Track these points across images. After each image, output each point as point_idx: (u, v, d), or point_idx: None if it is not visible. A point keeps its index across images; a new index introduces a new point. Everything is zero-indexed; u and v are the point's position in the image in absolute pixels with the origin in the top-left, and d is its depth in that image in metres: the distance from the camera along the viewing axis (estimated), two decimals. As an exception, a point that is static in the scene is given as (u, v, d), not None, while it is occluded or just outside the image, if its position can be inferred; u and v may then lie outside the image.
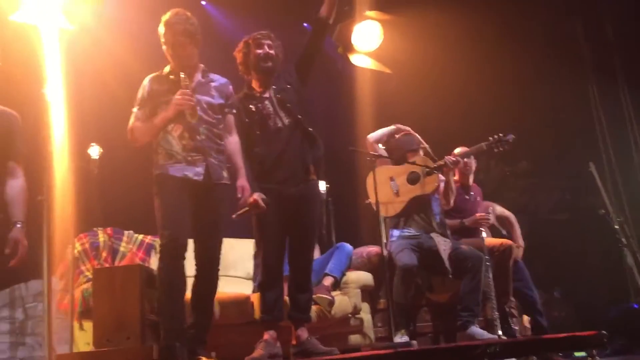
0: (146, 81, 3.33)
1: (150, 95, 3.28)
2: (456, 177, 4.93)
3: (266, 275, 3.51)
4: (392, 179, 4.25)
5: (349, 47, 6.17)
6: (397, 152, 4.49)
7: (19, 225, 2.99)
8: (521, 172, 7.09)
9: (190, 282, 3.27)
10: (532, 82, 6.54)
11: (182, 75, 3.24)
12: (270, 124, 3.57)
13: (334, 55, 6.37)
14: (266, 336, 3.46)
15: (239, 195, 3.33)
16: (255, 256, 3.85)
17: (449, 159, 4.32)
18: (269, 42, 3.65)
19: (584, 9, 6.28)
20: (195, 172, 3.20)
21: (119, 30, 4.86)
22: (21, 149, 3.10)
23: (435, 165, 4.47)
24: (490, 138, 4.43)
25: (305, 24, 6.51)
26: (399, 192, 4.31)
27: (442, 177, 4.42)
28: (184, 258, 3.13)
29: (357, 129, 5.66)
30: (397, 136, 4.56)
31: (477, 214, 4.65)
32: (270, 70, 3.63)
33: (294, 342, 3.48)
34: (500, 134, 4.42)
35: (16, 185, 3.04)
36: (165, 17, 3.30)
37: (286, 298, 3.59)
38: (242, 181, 3.36)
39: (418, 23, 5.94)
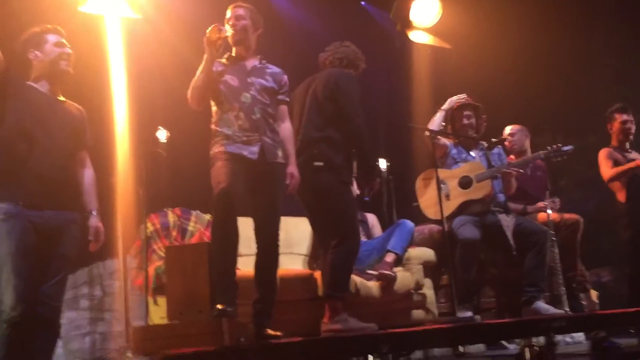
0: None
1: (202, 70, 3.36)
2: (512, 156, 4.86)
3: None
4: (443, 181, 4.20)
5: (407, 24, 6.11)
6: (451, 113, 4.43)
7: (94, 213, 3.16)
8: (589, 147, 6.88)
9: (252, 260, 3.36)
10: (605, 52, 6.31)
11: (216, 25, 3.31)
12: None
13: (392, 33, 6.32)
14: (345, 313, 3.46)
15: (287, 182, 3.41)
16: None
17: (505, 171, 4.28)
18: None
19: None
20: (251, 151, 3.29)
21: (178, 21, 4.99)
22: (89, 141, 3.27)
23: (498, 140, 4.45)
24: (549, 147, 4.38)
25: (362, 2, 6.51)
26: (449, 195, 4.26)
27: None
28: (236, 212, 3.20)
29: (417, 105, 5.64)
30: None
31: (541, 203, 4.58)
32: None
33: (325, 319, 3.45)
34: (560, 144, 4.36)
35: (89, 174, 3.22)
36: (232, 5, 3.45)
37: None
38: (292, 168, 3.44)
39: (477, -4, 5.83)
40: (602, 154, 4.75)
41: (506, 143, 4.81)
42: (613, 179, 4.68)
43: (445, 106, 4.40)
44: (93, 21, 4.69)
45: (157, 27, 4.90)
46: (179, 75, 4.03)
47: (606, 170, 4.70)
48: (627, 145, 4.79)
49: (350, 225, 3.54)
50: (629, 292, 4.53)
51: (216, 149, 3.33)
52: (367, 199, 3.70)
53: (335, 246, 3.47)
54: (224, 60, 3.46)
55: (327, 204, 3.54)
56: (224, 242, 3.19)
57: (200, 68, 3.33)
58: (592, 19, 6.09)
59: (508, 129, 4.93)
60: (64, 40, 3.16)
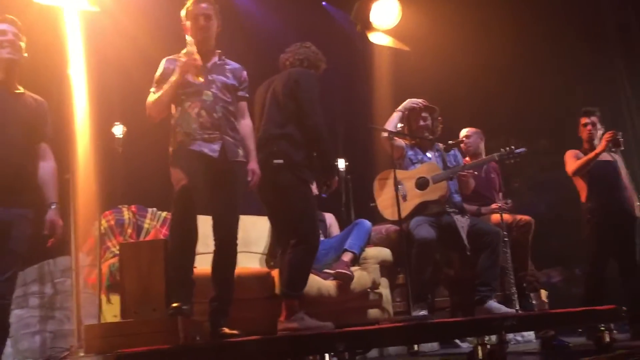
0: (163, 62, 3.43)
1: (164, 74, 3.37)
2: (467, 158, 4.96)
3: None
4: (400, 182, 4.26)
5: (367, 25, 6.16)
6: (408, 114, 4.49)
7: (53, 207, 3.09)
8: (541, 150, 7.07)
9: (209, 258, 3.35)
10: (555, 59, 6.49)
11: (188, 38, 3.32)
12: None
13: (352, 34, 6.37)
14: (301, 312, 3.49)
15: (249, 178, 3.42)
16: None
17: (461, 173, 4.36)
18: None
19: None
20: (212, 149, 3.28)
21: (138, 13, 4.92)
22: (50, 133, 3.20)
23: (454, 142, 4.53)
24: (502, 149, 4.46)
25: (323, 3, 6.53)
26: (406, 196, 4.32)
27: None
28: (196, 210, 3.20)
29: (376, 106, 5.69)
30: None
31: (494, 205, 4.69)
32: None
33: (282, 318, 3.47)
34: (513, 147, 4.45)
35: (48, 167, 3.15)
36: (188, 3, 3.42)
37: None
38: (253, 164, 3.45)
39: (436, 0, 5.92)
40: (568, 153, 4.87)
41: (462, 145, 4.90)
42: (576, 172, 4.78)
43: (401, 107, 4.46)
44: (50, 13, 4.58)
45: (116, 20, 4.82)
46: (138, 67, 3.99)
47: (570, 164, 4.82)
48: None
49: (310, 224, 3.55)
50: (586, 291, 4.66)
51: (176, 145, 3.30)
52: (324, 195, 3.71)
53: (294, 245, 3.48)
54: (182, 57, 3.42)
55: (286, 203, 3.54)
56: (183, 239, 3.17)
57: (166, 87, 3.30)
58: (544, 24, 6.26)
59: (464, 131, 5.03)
60: (7, 27, 3.06)
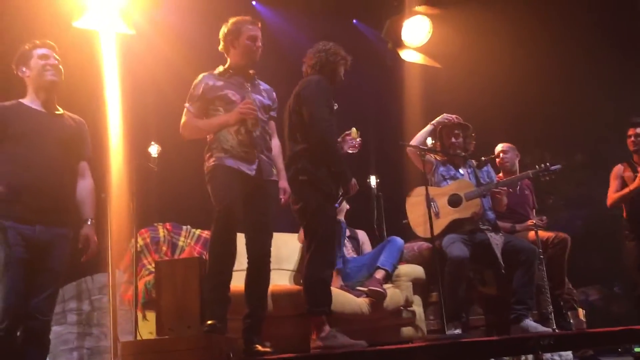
0: (200, 78, 3.45)
1: (205, 91, 3.40)
2: (500, 174, 4.91)
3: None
4: (432, 199, 4.24)
5: (398, 43, 6.18)
6: (440, 130, 4.48)
7: (89, 223, 3.17)
8: (577, 165, 6.96)
9: (243, 275, 3.37)
10: (590, 74, 6.40)
11: (247, 85, 3.42)
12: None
13: (383, 51, 6.39)
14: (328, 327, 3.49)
15: (281, 197, 3.45)
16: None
17: (495, 190, 4.32)
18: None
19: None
20: (249, 167, 3.32)
21: (172, 35, 5.03)
22: (89, 152, 3.29)
23: (487, 158, 4.50)
24: (537, 166, 4.41)
25: (355, 21, 6.58)
26: (439, 213, 4.30)
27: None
28: (237, 229, 3.23)
29: (407, 123, 5.69)
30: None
31: (529, 222, 4.63)
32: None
33: (314, 336, 3.46)
34: (548, 163, 4.40)
35: (86, 185, 3.23)
36: (236, 19, 3.46)
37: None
38: (283, 183, 3.49)
39: (467, 17, 5.91)
40: (613, 172, 4.85)
41: (498, 160, 4.87)
42: (613, 205, 4.78)
43: (434, 121, 4.44)
44: (88, 36, 4.72)
45: (151, 42, 4.94)
46: (173, 88, 4.06)
47: (609, 194, 4.82)
48: None
49: (325, 238, 3.51)
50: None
51: (213, 161, 3.33)
52: (343, 204, 3.68)
53: (309, 259, 3.48)
54: (218, 72, 3.47)
55: (305, 217, 3.55)
56: (223, 258, 3.19)
57: (214, 122, 3.36)
58: (578, 37, 6.19)
59: (500, 147, 4.98)
60: (48, 52, 3.17)
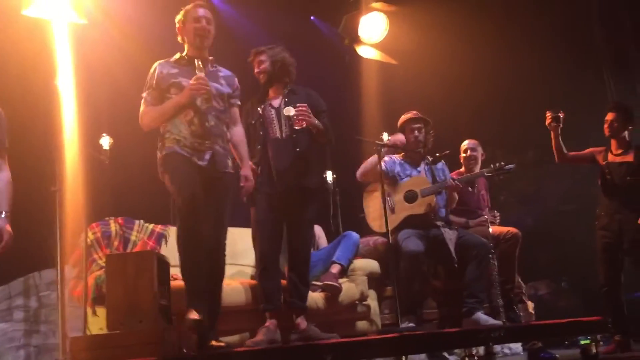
0: (156, 65, 3.40)
1: (158, 79, 3.35)
2: (462, 169, 4.99)
3: (261, 264, 3.68)
4: (389, 194, 4.28)
5: (355, 39, 6.22)
6: (398, 128, 4.51)
7: (3, 215, 3.02)
8: (529, 162, 7.11)
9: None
10: (541, 70, 6.54)
11: (197, 62, 3.31)
12: (270, 131, 3.81)
13: (340, 47, 6.41)
14: (268, 323, 3.61)
15: (242, 184, 3.44)
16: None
17: (450, 182, 4.37)
18: (260, 58, 3.90)
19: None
20: (201, 158, 3.27)
21: (126, 24, 4.93)
22: (4, 143, 3.12)
23: (442, 154, 4.55)
24: (492, 165, 4.50)
25: (312, 17, 6.58)
26: (394, 209, 4.34)
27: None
28: (201, 221, 3.18)
29: (364, 119, 5.72)
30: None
31: (482, 217, 4.69)
32: (265, 82, 3.89)
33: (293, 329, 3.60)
34: (502, 162, 4.49)
35: (2, 177, 3.08)
36: (187, 7, 3.43)
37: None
38: (246, 171, 3.46)
39: (423, 13, 5.98)
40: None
41: (465, 156, 4.92)
42: (558, 159, 4.76)
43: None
44: (39, 25, 4.58)
45: (104, 32, 4.82)
46: (126, 78, 3.98)
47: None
48: (617, 142, 4.69)
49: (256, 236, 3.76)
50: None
51: (166, 150, 3.28)
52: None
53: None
54: (174, 60, 3.42)
55: None
56: (194, 248, 3.16)
57: (169, 105, 3.30)
58: (531, 36, 6.33)
59: (467, 143, 4.98)
60: None
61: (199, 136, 3.27)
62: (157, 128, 3.37)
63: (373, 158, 4.28)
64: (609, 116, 4.70)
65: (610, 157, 4.67)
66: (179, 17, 3.45)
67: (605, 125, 4.71)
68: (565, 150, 4.72)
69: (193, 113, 3.28)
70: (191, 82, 3.26)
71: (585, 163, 4.85)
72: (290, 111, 3.77)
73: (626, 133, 4.68)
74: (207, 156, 3.28)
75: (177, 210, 3.17)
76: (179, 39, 3.47)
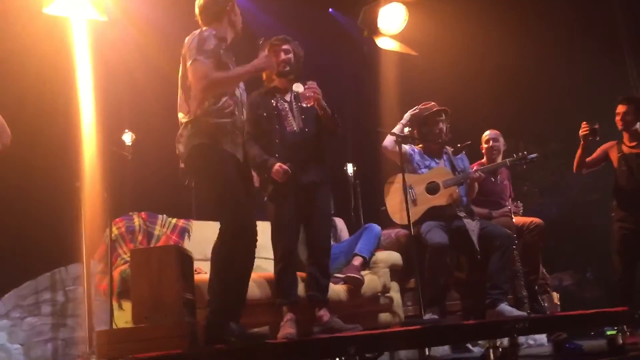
0: (207, 32, 3.10)
1: (217, 48, 3.09)
2: (483, 160, 4.94)
3: (282, 260, 3.66)
4: (410, 186, 4.24)
5: (374, 30, 6.18)
6: (418, 119, 4.43)
7: None
8: (551, 153, 7.03)
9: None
10: (564, 62, 6.47)
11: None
12: (286, 125, 3.75)
13: (359, 39, 6.39)
14: (289, 316, 3.62)
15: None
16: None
17: (473, 173, 4.34)
18: (285, 46, 3.80)
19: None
20: (239, 151, 3.20)
21: (145, 22, 4.96)
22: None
23: (463, 145, 4.51)
24: (515, 155, 4.46)
25: (330, 9, 6.56)
26: (416, 201, 4.31)
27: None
28: (252, 240, 3.12)
29: (384, 110, 5.70)
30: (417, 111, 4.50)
31: (505, 207, 4.65)
32: (282, 73, 3.78)
33: (315, 322, 3.60)
34: (525, 152, 4.45)
35: None
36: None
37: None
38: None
39: (443, 4, 5.93)
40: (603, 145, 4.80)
41: (486, 147, 4.88)
42: (576, 169, 4.78)
43: (404, 120, 4.40)
44: (59, 23, 4.63)
45: (123, 29, 4.86)
46: (146, 75, 4.00)
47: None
48: (630, 135, 4.68)
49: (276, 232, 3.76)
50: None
51: (207, 139, 3.05)
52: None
53: None
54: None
55: None
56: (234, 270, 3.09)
57: (241, 71, 3.17)
58: (554, 26, 6.24)
59: (488, 134, 4.94)
60: None
61: (237, 128, 3.18)
62: (177, 126, 3.32)
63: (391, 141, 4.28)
64: (620, 109, 4.68)
65: (626, 149, 4.68)
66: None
67: (618, 118, 4.69)
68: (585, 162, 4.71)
69: (234, 102, 3.18)
70: (266, 55, 3.22)
71: (600, 164, 4.83)
72: (299, 87, 3.70)
73: (638, 125, 4.64)
74: (241, 149, 3.23)
75: (225, 228, 3.03)
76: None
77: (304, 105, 3.72)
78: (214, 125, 3.07)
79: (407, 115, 4.44)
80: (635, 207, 4.54)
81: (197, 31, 3.11)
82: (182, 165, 3.19)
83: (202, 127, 3.06)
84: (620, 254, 4.58)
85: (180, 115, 3.15)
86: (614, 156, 4.70)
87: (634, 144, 4.64)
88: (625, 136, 4.70)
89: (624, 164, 4.60)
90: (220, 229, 3.02)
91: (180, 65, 3.15)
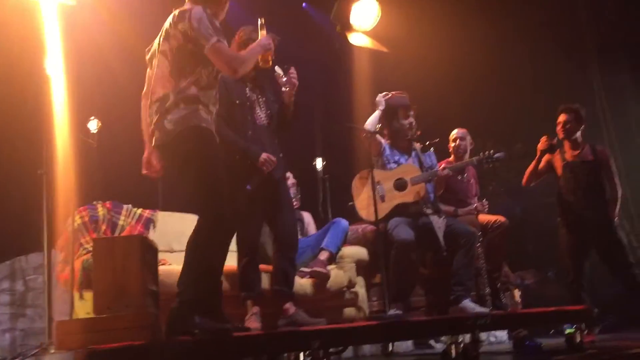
0: (205, 12, 2.96)
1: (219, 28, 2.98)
2: (451, 158, 5.00)
3: (248, 253, 3.65)
4: (379, 183, 4.27)
5: (347, 26, 6.19)
6: (390, 112, 4.46)
7: None
8: (516, 154, 7.13)
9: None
10: (530, 64, 6.58)
11: (260, 20, 3.28)
12: (255, 117, 3.72)
13: (332, 34, 6.39)
14: (255, 310, 3.61)
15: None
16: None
17: (440, 172, 4.38)
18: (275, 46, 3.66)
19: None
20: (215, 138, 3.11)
21: (116, 5, 4.88)
22: None
23: (432, 142, 4.55)
24: (481, 154, 4.52)
25: (304, 4, 6.54)
26: (384, 197, 4.33)
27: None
28: (230, 234, 3.03)
29: (355, 106, 5.71)
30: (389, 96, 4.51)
31: (470, 205, 4.71)
32: (265, 68, 3.56)
33: (281, 315, 3.60)
34: (492, 151, 4.50)
35: None
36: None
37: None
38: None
39: (415, 2, 5.97)
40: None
41: (453, 145, 4.94)
42: (526, 181, 4.93)
43: (382, 106, 4.44)
44: (28, 6, 4.52)
45: (94, 12, 4.77)
46: (117, 60, 3.92)
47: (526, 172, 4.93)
48: (571, 143, 4.80)
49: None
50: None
51: (200, 121, 2.91)
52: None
53: None
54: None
55: None
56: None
57: (254, 52, 3.10)
58: (522, 27, 6.34)
59: (456, 132, 5.02)
60: None
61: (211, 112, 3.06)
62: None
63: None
64: (562, 118, 4.81)
65: (569, 157, 4.80)
66: None
67: (559, 128, 4.82)
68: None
69: (216, 89, 3.07)
70: (265, 38, 3.19)
71: (545, 174, 4.93)
72: (279, 70, 3.64)
73: (578, 133, 4.77)
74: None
75: (207, 221, 2.90)
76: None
77: (284, 89, 3.69)
78: (204, 111, 2.94)
79: (381, 100, 4.44)
80: (581, 212, 4.67)
81: (196, 7, 2.97)
82: (154, 144, 2.99)
83: (195, 107, 2.92)
84: (571, 258, 4.69)
85: (161, 91, 2.97)
86: (558, 164, 4.82)
87: (577, 152, 4.77)
88: (567, 144, 4.84)
89: (569, 171, 4.74)
90: (200, 219, 2.88)
91: (163, 38, 3.02)
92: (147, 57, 3.17)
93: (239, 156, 3.58)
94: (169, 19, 3.03)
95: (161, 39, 3.03)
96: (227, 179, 2.98)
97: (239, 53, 3.11)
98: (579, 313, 3.93)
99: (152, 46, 3.14)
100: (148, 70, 3.17)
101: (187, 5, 3.06)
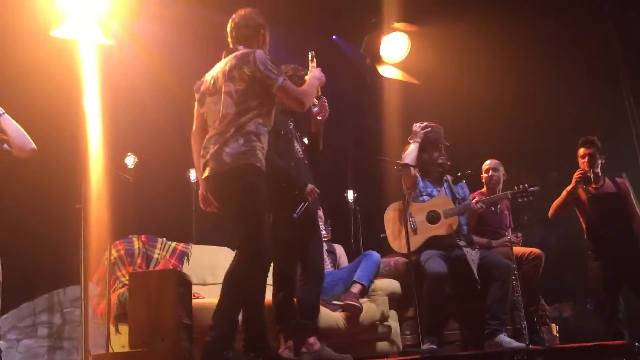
0: (265, 55, 3.16)
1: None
2: (484, 189, 4.96)
3: (286, 288, 3.64)
4: (411, 215, 4.27)
5: (377, 59, 6.25)
6: (422, 144, 4.46)
7: None
8: (552, 183, 7.03)
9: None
10: (564, 93, 6.52)
11: (311, 54, 3.42)
12: (294, 150, 3.77)
13: (362, 67, 6.45)
14: (289, 344, 3.59)
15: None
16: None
17: (474, 205, 4.36)
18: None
19: (616, 15, 6.24)
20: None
21: (152, 45, 5.02)
22: None
23: (464, 173, 4.53)
24: (516, 187, 4.49)
25: (334, 37, 6.64)
26: (417, 229, 4.32)
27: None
28: (267, 269, 3.14)
29: (385, 138, 5.73)
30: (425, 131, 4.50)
31: (504, 237, 4.65)
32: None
33: (305, 349, 3.54)
34: (526, 184, 4.47)
35: None
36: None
37: None
38: None
39: (445, 34, 6.00)
40: None
41: (486, 177, 4.91)
42: (552, 213, 4.83)
43: (418, 138, 4.45)
44: (66, 46, 4.69)
45: (130, 52, 4.92)
46: (152, 98, 4.03)
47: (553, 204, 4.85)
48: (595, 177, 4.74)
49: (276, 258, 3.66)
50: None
51: (259, 162, 3.06)
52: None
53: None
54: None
55: None
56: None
57: (315, 87, 3.31)
58: (554, 57, 6.31)
59: (488, 163, 4.98)
60: None
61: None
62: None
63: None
64: (584, 151, 4.74)
65: (593, 190, 4.73)
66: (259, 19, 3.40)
67: (584, 160, 4.72)
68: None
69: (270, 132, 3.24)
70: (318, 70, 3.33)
71: (568, 207, 4.85)
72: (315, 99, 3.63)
73: (599, 166, 4.72)
74: None
75: (248, 258, 3.00)
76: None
77: (318, 118, 3.74)
78: (261, 152, 3.07)
79: (419, 132, 4.44)
80: (611, 245, 4.57)
81: (258, 51, 3.15)
82: (206, 174, 3.08)
83: (254, 146, 3.05)
84: (606, 291, 4.58)
85: (223, 126, 3.08)
86: (583, 197, 4.73)
87: (600, 185, 4.71)
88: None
89: (596, 203, 4.65)
90: (238, 253, 2.97)
91: (227, 79, 3.13)
92: (197, 96, 3.27)
93: (286, 184, 3.60)
94: (228, 62, 3.17)
95: (224, 80, 3.14)
96: (272, 204, 3.08)
97: (302, 88, 3.25)
98: (620, 348, 3.81)
99: (203, 85, 3.25)
100: (197, 108, 3.29)
101: (243, 49, 3.22)
